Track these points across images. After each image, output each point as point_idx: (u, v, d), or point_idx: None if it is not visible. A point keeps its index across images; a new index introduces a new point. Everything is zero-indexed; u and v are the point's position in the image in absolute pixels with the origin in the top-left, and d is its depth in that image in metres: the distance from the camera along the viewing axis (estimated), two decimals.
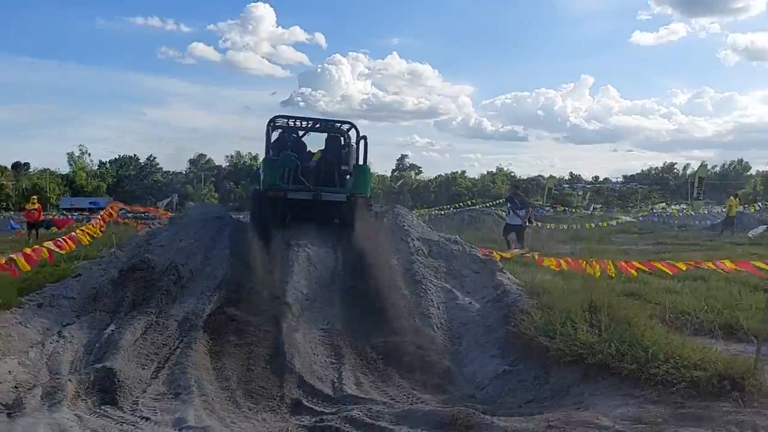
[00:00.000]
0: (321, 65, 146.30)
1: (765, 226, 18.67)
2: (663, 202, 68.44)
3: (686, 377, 4.34)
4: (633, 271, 7.31)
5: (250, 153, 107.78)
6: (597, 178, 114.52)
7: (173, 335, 7.43)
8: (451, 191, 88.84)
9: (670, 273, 7.86)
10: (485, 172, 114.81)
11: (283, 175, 10.72)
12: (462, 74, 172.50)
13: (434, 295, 8.29)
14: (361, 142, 11.41)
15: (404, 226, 10.08)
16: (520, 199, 16.09)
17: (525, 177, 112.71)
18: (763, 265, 5.61)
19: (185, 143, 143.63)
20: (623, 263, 7.68)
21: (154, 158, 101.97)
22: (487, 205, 43.52)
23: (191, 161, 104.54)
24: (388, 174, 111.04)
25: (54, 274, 9.72)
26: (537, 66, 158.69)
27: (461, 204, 47.44)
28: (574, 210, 41.88)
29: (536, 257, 10.20)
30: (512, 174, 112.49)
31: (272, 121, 11.64)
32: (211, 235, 9.84)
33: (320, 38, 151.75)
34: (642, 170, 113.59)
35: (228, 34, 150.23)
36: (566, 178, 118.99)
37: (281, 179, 10.71)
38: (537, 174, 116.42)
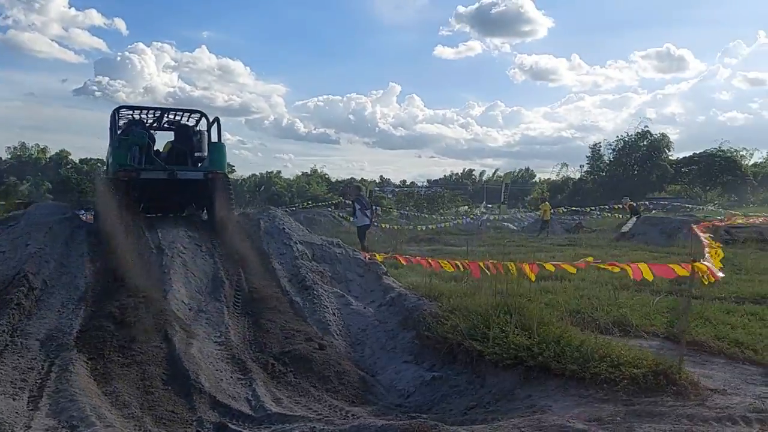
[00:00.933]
0: (121, 53, 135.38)
1: (634, 220, 20.75)
2: (465, 205, 73.84)
3: (626, 375, 4.67)
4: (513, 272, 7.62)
5: (37, 144, 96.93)
6: (405, 181, 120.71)
7: (38, 357, 6.35)
8: (271, 191, 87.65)
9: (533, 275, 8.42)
10: (300, 173, 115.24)
11: (134, 155, 10.08)
12: (275, 74, 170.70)
13: (327, 301, 8.07)
14: (214, 126, 11.21)
15: (284, 228, 9.67)
16: (365, 200, 16.50)
17: (339, 179, 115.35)
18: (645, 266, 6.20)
19: None
20: (492, 264, 8.08)
21: None
22: (309, 205, 43.60)
23: None
24: None
25: None
26: (349, 71, 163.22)
27: (285, 204, 46.98)
28: (390, 211, 43.55)
29: (401, 259, 10.40)
30: (326, 176, 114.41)
31: (116, 111, 11.14)
32: (63, 238, 8.59)
33: (120, 24, 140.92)
34: (444, 175, 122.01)
35: (9, 10, 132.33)
36: (377, 181, 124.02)
37: (132, 159, 10.08)
38: (349, 176, 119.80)
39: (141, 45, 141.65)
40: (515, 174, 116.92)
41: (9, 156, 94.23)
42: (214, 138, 11.11)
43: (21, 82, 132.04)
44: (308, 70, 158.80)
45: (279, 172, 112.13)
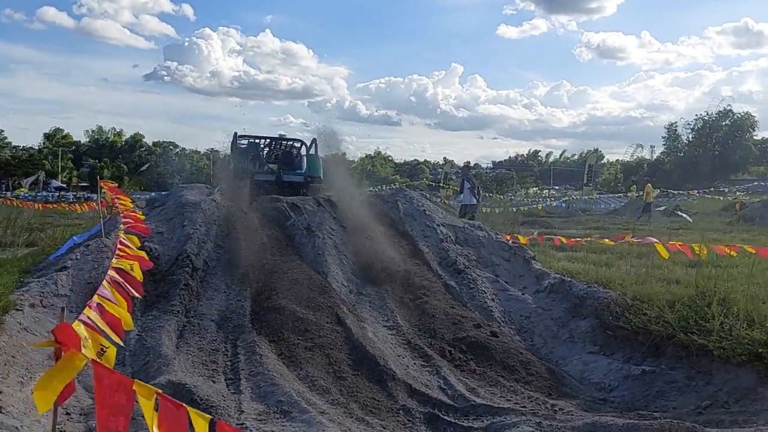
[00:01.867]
0: (189, 38, 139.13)
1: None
2: (535, 186, 72.35)
3: None
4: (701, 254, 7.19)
5: (114, 128, 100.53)
6: (468, 163, 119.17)
7: (218, 339, 6.35)
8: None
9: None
10: (364, 155, 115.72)
11: (252, 163, 13.80)
12: (337, 56, 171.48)
13: (483, 286, 7.80)
14: (312, 145, 14.80)
15: (425, 210, 9.46)
16: (473, 180, 16.33)
17: (404, 161, 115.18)
18: None
19: (35, 116, 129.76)
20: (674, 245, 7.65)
21: (2, 131, 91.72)
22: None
23: (46, 135, 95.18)
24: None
25: (22, 265, 8.19)
26: (410, 52, 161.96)
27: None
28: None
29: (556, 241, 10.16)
30: (390, 157, 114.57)
31: (235, 136, 15.11)
32: (215, 219, 8.62)
33: (188, 10, 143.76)
34: (509, 156, 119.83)
35: None
36: (441, 163, 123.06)
37: (250, 165, 13.62)
38: (413, 158, 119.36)
39: (208, 30, 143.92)
40: (584, 155, 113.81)
41: (87, 139, 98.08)
42: (312, 152, 14.78)
43: (95, 69, 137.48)
44: (370, 52, 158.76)
45: (344, 154, 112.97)
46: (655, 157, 70.99)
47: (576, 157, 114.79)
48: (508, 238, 9.38)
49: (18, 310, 6.22)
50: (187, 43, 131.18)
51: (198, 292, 7.24)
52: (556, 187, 72.51)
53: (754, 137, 62.76)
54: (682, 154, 65.21)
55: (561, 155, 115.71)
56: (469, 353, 6.30)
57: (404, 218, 9.30)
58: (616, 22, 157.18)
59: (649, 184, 23.84)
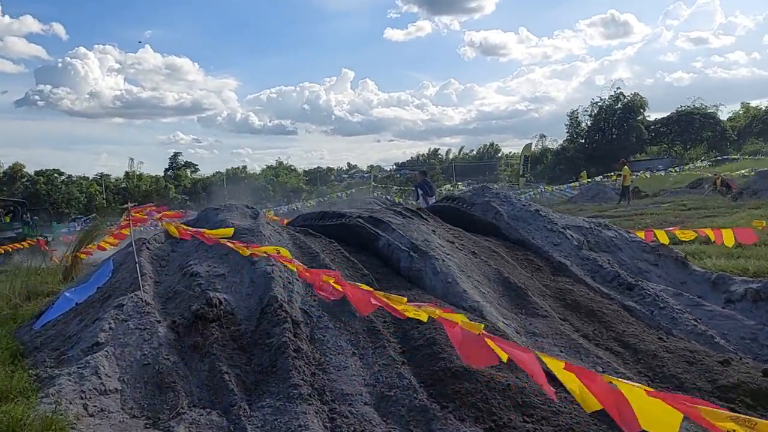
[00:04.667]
0: (62, 59, 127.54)
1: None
2: (447, 183, 72.25)
3: None
4: None
5: None
6: (372, 166, 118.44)
7: None
8: (254, 185, 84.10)
9: None
10: (265, 166, 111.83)
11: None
12: (224, 68, 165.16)
13: (673, 303, 5.90)
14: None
15: (538, 210, 7.40)
16: (429, 185, 16.50)
17: (303, 169, 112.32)
18: None
19: None
20: None
21: None
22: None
23: None
24: (161, 174, 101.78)
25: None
26: (300, 60, 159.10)
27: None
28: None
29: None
30: (292, 167, 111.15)
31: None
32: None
33: (59, 29, 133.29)
34: (411, 157, 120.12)
35: None
36: (345, 168, 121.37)
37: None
38: (315, 166, 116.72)
39: (83, 49, 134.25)
40: (481, 150, 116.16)
41: None
42: None
43: None
44: (258, 62, 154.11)
45: (245, 167, 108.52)
46: (558, 145, 72.89)
47: (474, 152, 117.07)
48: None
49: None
50: (60, 64, 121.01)
51: (318, 360, 4.83)
52: (469, 182, 72.71)
53: (647, 118, 65.74)
54: (583, 140, 67.28)
55: (460, 152, 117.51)
56: (759, 405, 4.35)
57: (513, 223, 7.21)
58: (496, 20, 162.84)
59: (626, 167, 23.15)
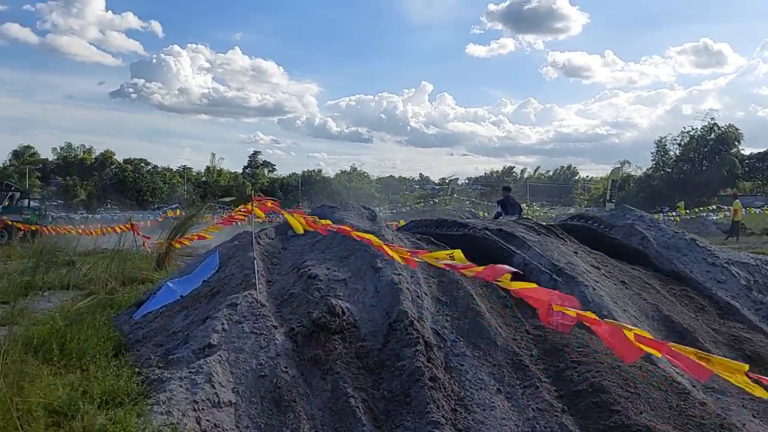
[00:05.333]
0: (157, 55, 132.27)
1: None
2: (522, 203, 70.12)
3: None
4: None
5: (83, 145, 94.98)
6: (444, 179, 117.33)
7: None
8: (328, 189, 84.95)
9: None
10: (339, 171, 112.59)
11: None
12: (308, 73, 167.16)
13: None
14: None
15: (694, 240, 6.42)
16: (512, 201, 15.14)
17: (376, 177, 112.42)
18: None
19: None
20: None
21: None
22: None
23: (14, 153, 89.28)
24: (240, 171, 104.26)
25: (104, 335, 4.91)
26: (381, 70, 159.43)
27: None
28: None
29: None
30: (365, 174, 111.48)
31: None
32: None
33: (156, 27, 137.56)
34: (485, 173, 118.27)
35: (48, 15, 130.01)
36: (416, 178, 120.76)
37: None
38: (388, 175, 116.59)
39: (176, 47, 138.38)
40: (557, 171, 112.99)
41: (56, 157, 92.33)
42: None
43: (60, 86, 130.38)
44: (340, 70, 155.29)
45: (320, 170, 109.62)
46: (642, 172, 69.62)
47: (550, 173, 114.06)
48: None
49: None
50: (155, 60, 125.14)
51: (458, 394, 4.07)
52: (544, 203, 70.49)
53: (741, 152, 61.86)
54: (669, 170, 63.91)
55: (535, 171, 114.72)
56: None
57: (664, 252, 6.25)
58: (581, 42, 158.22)
59: (737, 201, 21.38)
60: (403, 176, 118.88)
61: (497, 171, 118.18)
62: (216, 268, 5.95)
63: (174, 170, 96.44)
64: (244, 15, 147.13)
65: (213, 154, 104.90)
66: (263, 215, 5.51)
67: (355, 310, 4.69)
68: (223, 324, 4.45)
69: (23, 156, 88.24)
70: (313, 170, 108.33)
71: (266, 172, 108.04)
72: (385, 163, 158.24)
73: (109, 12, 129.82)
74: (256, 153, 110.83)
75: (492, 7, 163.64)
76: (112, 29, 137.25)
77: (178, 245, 10.24)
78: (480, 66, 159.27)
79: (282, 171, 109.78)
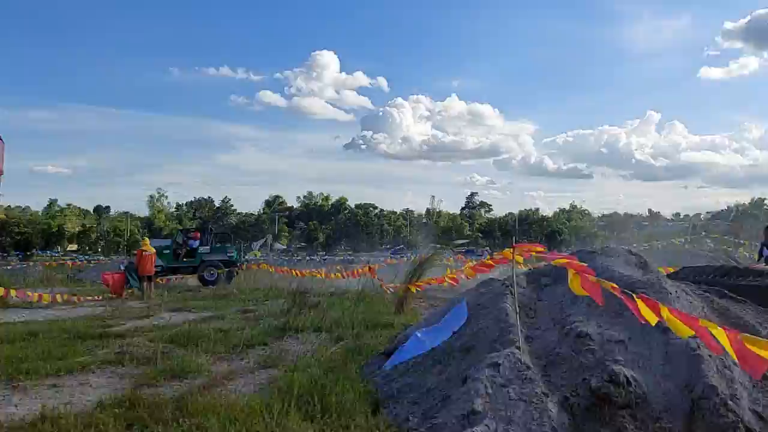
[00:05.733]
0: (383, 108, 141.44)
1: None
2: None
3: None
4: None
5: (321, 193, 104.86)
6: (678, 215, 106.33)
7: None
8: (548, 229, 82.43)
9: None
10: (558, 209, 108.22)
11: None
12: (523, 113, 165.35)
13: None
14: None
15: None
16: None
17: (598, 214, 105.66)
18: None
19: (254, 186, 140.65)
20: None
21: (229, 200, 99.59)
22: None
23: (267, 202, 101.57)
24: (457, 212, 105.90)
25: (359, 388, 4.63)
26: (599, 103, 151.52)
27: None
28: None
29: None
30: (586, 211, 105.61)
31: None
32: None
33: (382, 82, 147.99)
34: (728, 206, 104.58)
35: (294, 81, 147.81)
36: (644, 214, 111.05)
37: None
38: (611, 211, 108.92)
39: (400, 99, 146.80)
40: None
41: (299, 204, 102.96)
42: None
43: (303, 141, 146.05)
44: (556, 106, 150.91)
45: (537, 209, 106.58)
46: None
47: None
48: None
49: None
50: (381, 113, 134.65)
51: None
52: None
53: None
54: None
55: None
56: None
57: None
58: None
59: None
60: (628, 212, 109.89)
61: (743, 204, 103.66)
62: (465, 319, 5.53)
63: (398, 213, 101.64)
64: (461, 62, 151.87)
65: (432, 197, 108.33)
66: (520, 260, 4.93)
67: (642, 381, 3.86)
68: (486, 387, 3.95)
69: (273, 204, 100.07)
70: (530, 209, 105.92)
71: (483, 213, 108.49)
72: (607, 199, 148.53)
73: (343, 73, 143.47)
74: (473, 194, 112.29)
75: (729, 25, 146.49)
76: (345, 88, 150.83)
77: (414, 289, 10.15)
78: (716, 90, 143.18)
79: (498, 211, 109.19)
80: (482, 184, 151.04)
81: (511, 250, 4.60)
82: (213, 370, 6.60)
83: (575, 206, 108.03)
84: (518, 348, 4.34)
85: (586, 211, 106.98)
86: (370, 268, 13.47)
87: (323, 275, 15.90)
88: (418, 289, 10.46)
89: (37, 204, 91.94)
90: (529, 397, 3.86)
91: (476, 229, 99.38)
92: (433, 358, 5.18)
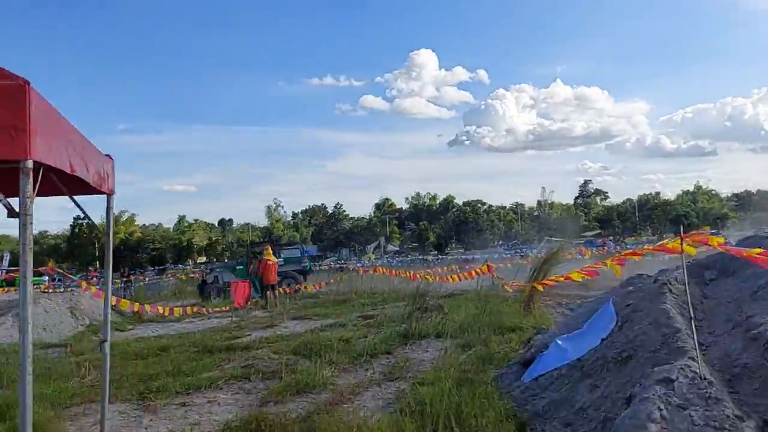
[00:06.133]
0: (485, 101, 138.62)
1: None
2: None
3: None
4: None
5: (428, 193, 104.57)
6: None
7: None
8: (670, 212, 77.10)
9: None
10: (681, 192, 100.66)
11: None
12: (634, 92, 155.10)
13: None
14: None
15: None
16: None
17: (727, 193, 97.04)
18: None
19: (362, 190, 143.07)
20: None
21: (341, 205, 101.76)
22: None
23: (376, 205, 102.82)
24: (570, 202, 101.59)
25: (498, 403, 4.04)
26: (719, 74, 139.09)
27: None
28: None
29: None
30: (713, 191, 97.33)
31: None
32: None
33: (483, 75, 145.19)
34: None
35: (394, 83, 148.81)
36: None
37: None
38: (743, 190, 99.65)
39: (501, 90, 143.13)
40: None
41: (407, 205, 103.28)
42: None
43: (406, 142, 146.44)
44: (671, 82, 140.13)
45: (657, 193, 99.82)
46: None
47: None
48: None
49: None
50: (483, 106, 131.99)
51: None
52: None
53: None
54: None
55: None
56: None
57: None
58: None
59: None
60: (761, 189, 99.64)
61: None
62: (615, 324, 4.79)
63: (507, 207, 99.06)
64: (563, 47, 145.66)
65: (543, 188, 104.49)
66: (693, 252, 4.13)
67: None
68: (660, 409, 3.24)
69: (383, 207, 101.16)
70: (650, 193, 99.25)
71: (598, 201, 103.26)
72: (735, 177, 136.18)
73: (442, 70, 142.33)
74: (586, 182, 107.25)
75: None
76: (445, 84, 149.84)
77: (540, 288, 9.37)
78: None
79: (615, 198, 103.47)
80: (595, 170, 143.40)
81: (678, 239, 3.82)
82: (338, 383, 6.31)
83: (700, 187, 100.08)
84: (694, 359, 3.58)
85: (713, 192, 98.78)
86: (488, 266, 12.78)
87: (438, 277, 15.40)
88: (547, 286, 9.67)
89: (168, 221, 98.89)
90: (719, 422, 3.11)
91: (592, 219, 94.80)
92: (582, 371, 4.50)
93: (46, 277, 29.02)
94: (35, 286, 24.92)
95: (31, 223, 2.28)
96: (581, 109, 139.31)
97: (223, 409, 5.59)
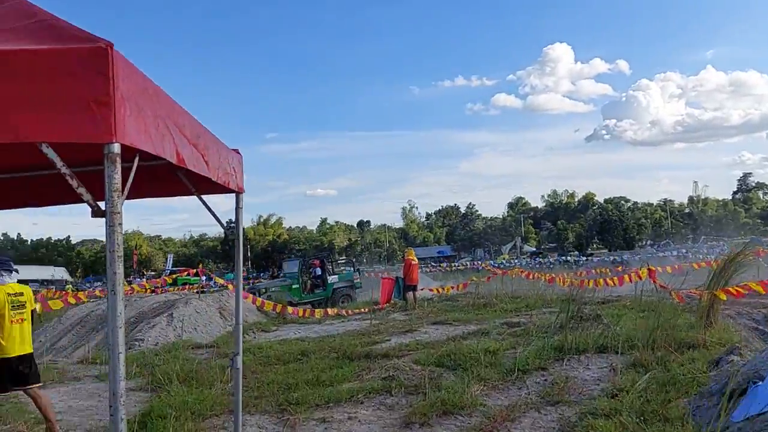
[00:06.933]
0: (626, 93, 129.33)
1: None
2: None
3: None
4: None
5: (566, 190, 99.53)
6: None
7: None
8: None
9: None
10: None
11: None
12: None
13: None
14: None
15: None
16: None
17: None
18: None
19: (496, 189, 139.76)
20: None
21: (473, 206, 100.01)
22: None
23: (509, 205, 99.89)
24: (728, 198, 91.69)
25: None
26: None
27: None
28: None
29: None
30: None
31: None
32: None
33: (623, 65, 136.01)
34: None
35: (527, 80, 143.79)
36: None
37: None
38: None
39: (644, 81, 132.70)
40: None
41: (543, 204, 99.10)
42: None
43: (541, 139, 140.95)
44: None
45: None
46: None
47: None
48: None
49: None
50: (624, 98, 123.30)
51: None
52: None
53: None
54: None
55: None
56: None
57: None
58: None
59: None
60: None
61: None
62: None
63: (654, 204, 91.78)
64: (713, 29, 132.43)
65: (695, 183, 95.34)
66: None
67: None
68: None
69: (517, 206, 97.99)
70: None
71: (761, 195, 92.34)
72: None
73: (578, 63, 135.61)
74: (746, 175, 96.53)
75: None
76: (582, 78, 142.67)
77: (723, 296, 7.87)
78: None
79: None
80: (755, 162, 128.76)
81: None
82: (488, 403, 5.51)
83: None
84: None
85: None
86: (650, 270, 11.24)
87: (587, 282, 13.92)
88: (731, 295, 8.15)
89: (311, 223, 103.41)
90: None
91: (754, 215, 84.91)
92: None
93: (204, 278, 30.83)
94: (191, 286, 26.63)
95: (120, 224, 1.73)
96: (737, 96, 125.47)
97: (364, 429, 5.02)
